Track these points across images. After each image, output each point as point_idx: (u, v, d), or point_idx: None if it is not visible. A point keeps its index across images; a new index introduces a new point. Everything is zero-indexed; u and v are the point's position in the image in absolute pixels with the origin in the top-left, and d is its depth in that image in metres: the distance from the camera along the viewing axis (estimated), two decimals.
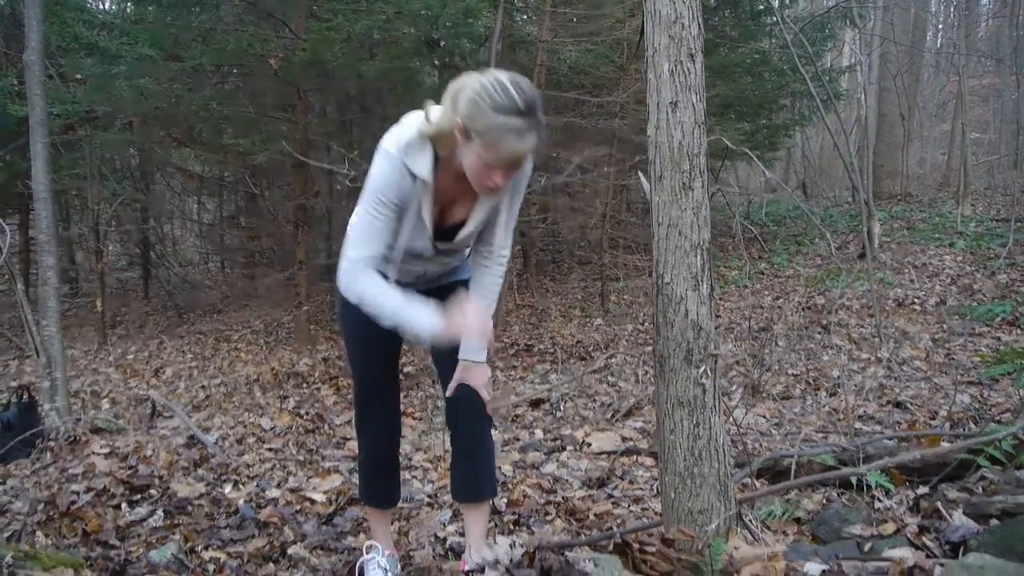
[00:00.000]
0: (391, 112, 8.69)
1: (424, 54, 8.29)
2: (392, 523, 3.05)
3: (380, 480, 2.52)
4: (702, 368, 1.93)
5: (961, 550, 1.81)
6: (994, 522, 1.94)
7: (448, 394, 2.28)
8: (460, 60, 9.45)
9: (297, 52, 6.90)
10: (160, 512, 3.32)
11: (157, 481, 3.71)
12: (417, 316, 1.96)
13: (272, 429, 4.89)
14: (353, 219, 2.03)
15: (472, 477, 2.38)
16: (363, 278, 2.00)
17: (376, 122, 9.07)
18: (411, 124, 2.02)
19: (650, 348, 2.13)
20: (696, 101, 1.90)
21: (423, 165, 1.99)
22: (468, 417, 2.32)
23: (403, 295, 1.99)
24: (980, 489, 2.37)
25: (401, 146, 1.98)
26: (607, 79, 8.26)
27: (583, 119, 8.06)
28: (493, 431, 2.47)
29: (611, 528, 2.78)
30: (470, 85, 1.90)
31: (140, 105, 7.49)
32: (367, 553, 2.53)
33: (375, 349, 2.38)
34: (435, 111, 1.98)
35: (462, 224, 2.12)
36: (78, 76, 7.46)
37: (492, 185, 1.94)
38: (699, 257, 1.92)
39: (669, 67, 1.89)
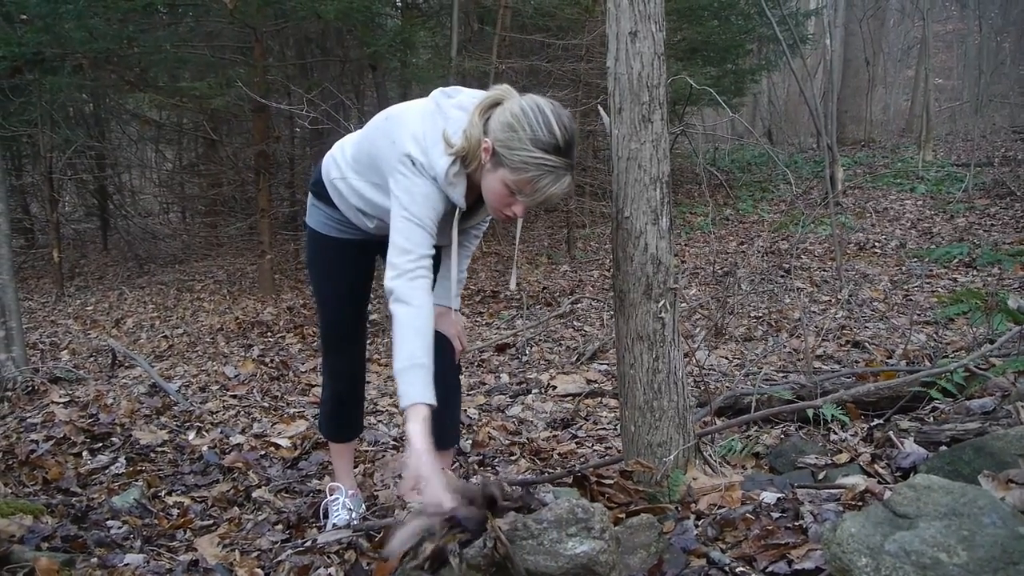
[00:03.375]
0: (353, 55, 8.51)
1: None
2: (357, 465, 3.06)
3: (343, 416, 2.53)
4: (661, 302, 1.93)
5: (911, 475, 1.85)
6: (943, 449, 1.99)
7: None
8: (423, 1, 9.24)
9: None
10: (122, 460, 3.29)
11: (119, 429, 3.68)
12: (415, 380, 1.78)
13: (236, 377, 4.86)
14: (403, 221, 1.84)
15: (439, 426, 2.39)
16: (420, 285, 1.82)
17: (336, 65, 8.85)
18: (433, 138, 1.84)
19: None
20: (655, 31, 1.86)
21: (459, 192, 1.88)
22: (438, 366, 2.29)
23: (428, 348, 1.80)
24: (931, 419, 2.44)
25: (442, 176, 1.83)
26: (572, 21, 8.12)
27: (548, 63, 7.94)
28: (460, 377, 2.48)
29: (574, 466, 2.82)
30: (508, 107, 1.78)
31: (90, 46, 7.21)
32: (331, 494, 2.55)
33: (345, 291, 2.36)
34: (455, 131, 1.83)
35: (471, 208, 2.01)
36: (23, 16, 7.13)
37: (510, 214, 1.84)
38: (658, 191, 1.90)
39: None
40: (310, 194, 2.27)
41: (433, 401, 1.77)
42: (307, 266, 2.49)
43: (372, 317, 5.99)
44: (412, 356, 1.78)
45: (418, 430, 1.73)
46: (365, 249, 2.29)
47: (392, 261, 1.84)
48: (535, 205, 1.81)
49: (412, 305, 1.80)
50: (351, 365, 2.46)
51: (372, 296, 2.51)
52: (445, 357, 2.23)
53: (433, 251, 1.88)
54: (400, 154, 1.84)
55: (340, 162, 2.11)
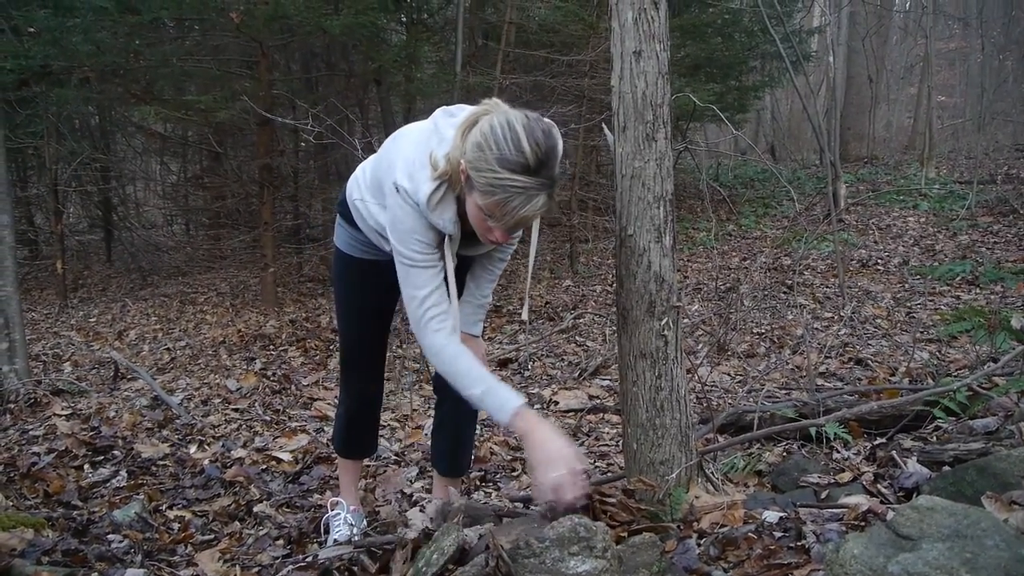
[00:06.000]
0: (358, 70, 8.56)
1: (390, 9, 8.11)
2: (359, 480, 3.06)
3: (356, 434, 2.53)
4: (664, 320, 1.93)
5: (914, 495, 1.85)
6: (946, 469, 1.98)
7: None
8: (428, 17, 9.30)
9: (259, 6, 6.73)
10: (123, 473, 3.30)
11: (120, 442, 3.68)
12: (489, 401, 1.77)
13: (238, 390, 4.86)
14: (399, 265, 1.86)
15: (456, 453, 2.40)
16: (432, 328, 1.83)
17: (341, 79, 8.90)
18: (421, 161, 1.80)
19: None
20: (660, 50, 1.87)
21: (447, 218, 1.81)
22: (454, 394, 2.27)
23: (471, 372, 1.80)
24: (934, 438, 2.43)
25: (423, 203, 1.76)
26: (576, 37, 8.17)
27: (552, 78, 7.98)
28: None
29: None
30: (480, 126, 1.68)
31: (97, 59, 7.27)
32: (332, 509, 2.54)
33: (368, 312, 2.35)
34: (442, 153, 1.77)
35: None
36: (31, 29, 7.19)
37: (493, 239, 1.78)
38: (662, 209, 1.91)
39: (633, 15, 1.86)
40: (337, 214, 2.25)
41: (518, 401, 1.75)
42: (332, 284, 2.48)
43: None
44: (465, 388, 1.79)
45: (533, 428, 1.72)
46: (389, 270, 2.27)
47: (407, 311, 1.86)
48: (511, 228, 1.74)
49: (434, 352, 1.84)
50: (369, 385, 2.45)
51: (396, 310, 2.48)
52: None
53: (439, 279, 1.85)
54: (391, 182, 1.81)
55: (361, 183, 2.09)
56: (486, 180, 1.64)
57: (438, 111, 1.91)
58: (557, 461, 1.66)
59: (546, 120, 1.72)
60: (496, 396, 1.77)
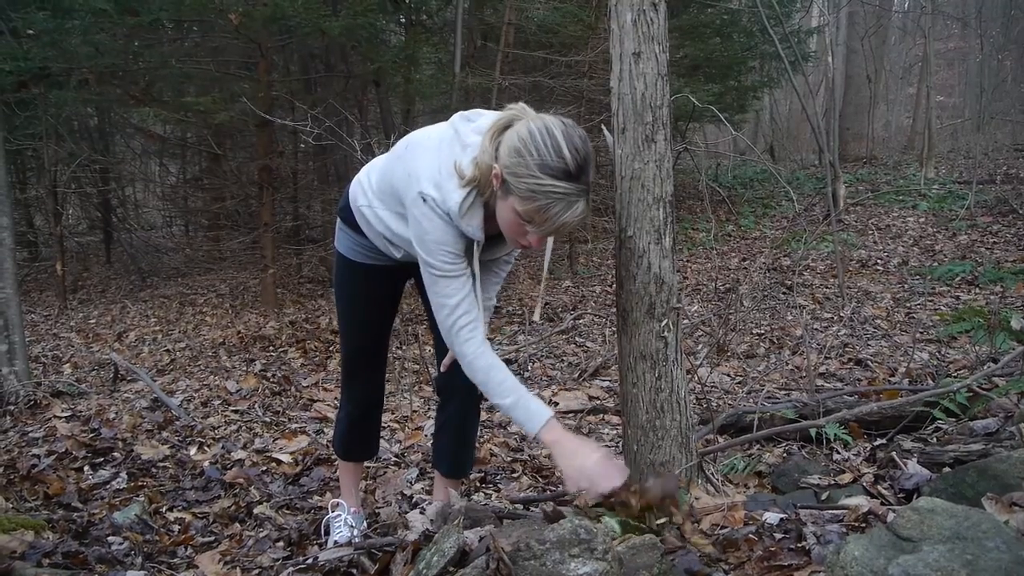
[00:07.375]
0: (357, 71, 8.56)
1: (389, 11, 8.12)
2: (359, 482, 3.06)
3: (356, 437, 2.53)
4: (664, 321, 1.94)
5: (915, 497, 1.85)
6: (947, 470, 1.99)
7: (442, 369, 2.25)
8: (427, 18, 9.30)
9: (258, 7, 6.72)
10: (124, 474, 3.30)
11: (120, 444, 3.68)
12: (519, 412, 1.82)
13: (238, 392, 4.86)
14: (428, 275, 1.85)
15: (459, 456, 2.41)
16: (464, 336, 1.84)
17: (340, 80, 8.90)
18: (447, 170, 1.78)
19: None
20: (659, 52, 1.88)
21: (476, 225, 1.80)
22: (464, 397, 2.29)
23: (504, 382, 1.84)
24: (935, 440, 2.43)
25: (455, 211, 1.75)
26: (575, 38, 8.17)
27: (551, 79, 7.98)
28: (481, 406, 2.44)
29: None
30: (516, 130, 1.67)
31: (96, 61, 7.27)
32: (332, 511, 2.55)
33: (370, 317, 2.34)
34: (467, 160, 1.76)
35: (495, 237, 1.90)
36: (30, 31, 7.19)
37: (525, 243, 1.77)
38: (661, 210, 1.91)
39: (632, 17, 1.86)
40: (338, 219, 2.22)
41: (547, 413, 1.80)
42: (334, 289, 2.47)
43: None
44: (495, 396, 1.84)
45: (561, 438, 1.79)
46: (392, 275, 2.26)
47: (436, 318, 1.88)
48: (549, 234, 1.74)
49: (467, 360, 1.86)
50: (370, 389, 2.46)
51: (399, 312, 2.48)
52: (469, 393, 2.23)
53: (468, 286, 1.85)
54: (415, 192, 1.78)
55: (367, 188, 2.05)
56: (527, 186, 1.63)
57: (455, 116, 1.88)
58: (587, 473, 1.73)
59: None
60: (526, 408, 1.81)
